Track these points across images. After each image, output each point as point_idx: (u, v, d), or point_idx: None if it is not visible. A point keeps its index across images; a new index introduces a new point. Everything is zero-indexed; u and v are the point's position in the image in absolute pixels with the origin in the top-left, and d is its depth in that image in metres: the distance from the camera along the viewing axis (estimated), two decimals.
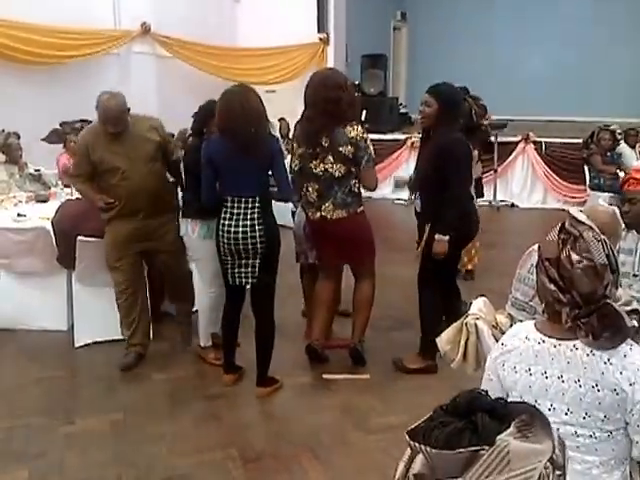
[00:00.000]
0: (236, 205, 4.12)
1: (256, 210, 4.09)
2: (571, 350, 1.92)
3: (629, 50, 14.06)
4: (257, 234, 4.09)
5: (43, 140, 7.49)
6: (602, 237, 1.89)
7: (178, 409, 4.20)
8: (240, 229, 4.09)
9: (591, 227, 1.89)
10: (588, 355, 1.89)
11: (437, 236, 4.31)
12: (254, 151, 4.04)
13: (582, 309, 1.89)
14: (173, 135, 9.00)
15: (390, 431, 3.85)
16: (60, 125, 7.58)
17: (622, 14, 14.11)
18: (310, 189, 4.48)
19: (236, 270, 4.24)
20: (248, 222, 4.09)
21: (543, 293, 1.99)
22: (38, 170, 7.01)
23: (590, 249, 1.86)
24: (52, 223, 5.13)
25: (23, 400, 4.29)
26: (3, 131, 6.99)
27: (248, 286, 4.33)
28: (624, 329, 1.87)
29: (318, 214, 4.48)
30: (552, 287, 1.93)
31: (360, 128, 4.33)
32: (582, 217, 1.92)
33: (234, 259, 4.21)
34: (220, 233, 4.17)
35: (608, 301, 1.88)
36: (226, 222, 4.14)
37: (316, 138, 4.35)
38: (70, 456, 3.66)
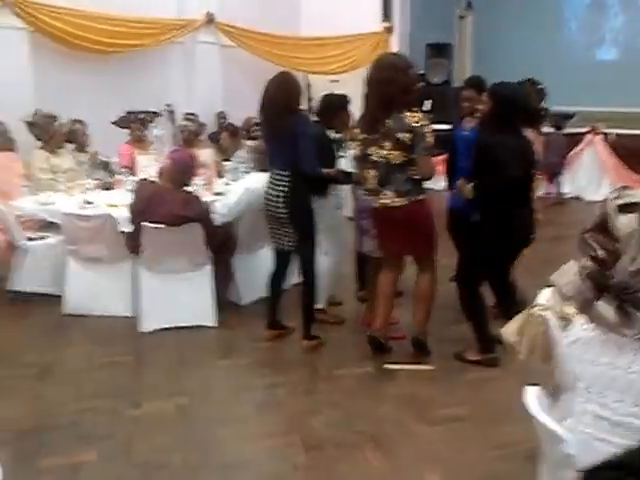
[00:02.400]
0: (272, 177, 4.74)
1: (285, 182, 4.63)
2: (637, 341, 1.89)
3: None
4: (281, 204, 4.64)
5: (113, 123, 7.66)
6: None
7: (241, 395, 4.24)
8: (272, 197, 4.70)
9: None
10: None
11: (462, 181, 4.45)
12: (280, 131, 4.59)
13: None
14: (235, 126, 9.12)
15: (453, 423, 3.83)
16: (127, 113, 7.75)
17: None
18: (369, 175, 4.46)
19: (277, 236, 4.84)
20: (278, 192, 4.66)
21: None
22: (108, 158, 7.20)
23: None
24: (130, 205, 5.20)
25: (91, 384, 4.38)
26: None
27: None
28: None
29: (380, 202, 4.44)
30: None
31: (421, 115, 4.26)
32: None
33: (273, 225, 4.81)
34: (263, 199, 4.80)
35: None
36: (265, 191, 4.77)
37: (375, 124, 4.33)
38: (136, 438, 3.71)
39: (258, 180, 5.40)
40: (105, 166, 7.18)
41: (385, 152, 4.31)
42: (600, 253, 1.87)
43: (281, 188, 4.63)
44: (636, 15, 14.41)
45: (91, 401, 4.12)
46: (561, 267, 1.98)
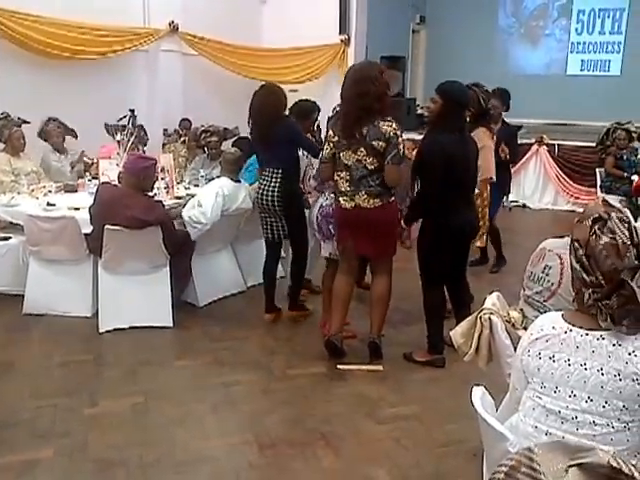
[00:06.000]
0: (266, 174, 5.25)
1: (278, 178, 5.16)
2: (597, 340, 1.98)
3: None
4: (275, 196, 5.16)
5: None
6: (629, 220, 1.98)
7: (197, 395, 4.30)
8: (267, 191, 5.20)
9: (620, 210, 1.99)
10: (614, 345, 1.95)
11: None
12: (272, 137, 5.10)
13: (603, 289, 1.96)
14: (195, 132, 9.18)
15: (401, 421, 3.96)
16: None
17: None
18: (341, 178, 4.52)
19: (269, 227, 5.35)
20: (271, 187, 5.18)
21: (574, 277, 2.08)
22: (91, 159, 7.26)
23: (615, 229, 1.95)
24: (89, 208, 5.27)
25: (49, 382, 4.42)
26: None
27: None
28: None
29: (352, 203, 4.49)
30: (578, 267, 2.02)
31: (395, 125, 4.36)
32: (614, 202, 2.04)
33: (266, 216, 5.31)
34: (256, 194, 5.34)
35: (629, 281, 1.93)
36: (260, 186, 5.29)
37: (351, 130, 4.40)
38: (93, 436, 3.75)
39: (222, 185, 5.55)
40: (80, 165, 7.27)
41: (359, 157, 4.40)
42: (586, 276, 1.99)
43: (274, 184, 5.16)
44: (580, 30, 14.93)
45: (49, 399, 4.16)
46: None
